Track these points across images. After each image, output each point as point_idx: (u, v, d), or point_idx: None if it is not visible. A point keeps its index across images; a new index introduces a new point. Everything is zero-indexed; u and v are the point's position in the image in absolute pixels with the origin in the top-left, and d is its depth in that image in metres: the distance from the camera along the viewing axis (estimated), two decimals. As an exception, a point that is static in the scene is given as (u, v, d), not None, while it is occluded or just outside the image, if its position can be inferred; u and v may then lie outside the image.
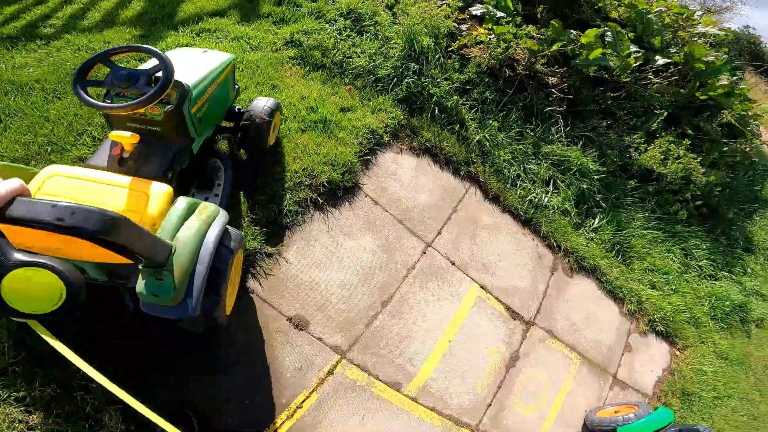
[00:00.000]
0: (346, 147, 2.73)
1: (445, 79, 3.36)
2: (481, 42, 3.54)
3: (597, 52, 3.57)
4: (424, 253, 2.57)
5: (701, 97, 4.07)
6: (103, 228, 1.06)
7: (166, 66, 1.56)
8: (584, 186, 3.42)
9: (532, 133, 3.48)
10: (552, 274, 2.95)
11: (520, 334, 2.57)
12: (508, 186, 3.17)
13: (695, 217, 3.85)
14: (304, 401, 1.90)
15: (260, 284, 2.10)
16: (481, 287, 2.61)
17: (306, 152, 2.57)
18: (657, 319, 3.18)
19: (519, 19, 3.77)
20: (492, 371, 2.37)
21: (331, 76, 3.16)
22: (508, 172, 3.22)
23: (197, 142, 1.95)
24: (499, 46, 3.48)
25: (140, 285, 1.32)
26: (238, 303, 1.94)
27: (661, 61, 3.90)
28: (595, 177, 3.48)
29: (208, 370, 1.85)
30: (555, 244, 3.07)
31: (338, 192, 2.55)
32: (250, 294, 2.05)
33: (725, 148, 4.14)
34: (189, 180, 2.00)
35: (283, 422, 1.85)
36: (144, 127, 1.76)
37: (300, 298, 2.12)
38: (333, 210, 2.49)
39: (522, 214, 3.07)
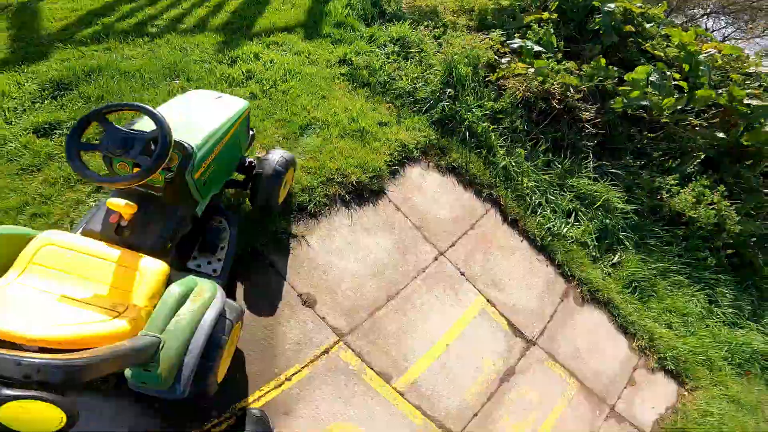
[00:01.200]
0: (378, 156, 3.02)
1: (479, 106, 3.59)
2: (519, 74, 3.75)
3: (637, 93, 3.66)
4: (436, 259, 2.77)
5: (745, 143, 3.96)
6: (70, 379, 1.03)
7: (163, 133, 1.44)
8: (607, 221, 3.46)
9: (559, 165, 3.59)
10: (562, 300, 3.00)
11: (519, 351, 2.65)
12: (528, 212, 3.29)
13: (725, 266, 3.71)
14: (294, 374, 2.11)
15: (281, 260, 2.39)
16: (487, 300, 2.74)
17: (342, 155, 2.89)
18: (668, 357, 3.10)
19: (560, 56, 3.95)
20: (484, 381, 2.47)
21: (374, 94, 3.50)
22: (530, 199, 3.35)
23: (201, 205, 1.86)
24: (536, 80, 3.67)
25: (128, 372, 1.33)
26: (257, 272, 2.23)
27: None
28: (620, 215, 3.51)
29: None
30: (569, 273, 3.13)
31: (365, 193, 2.83)
32: (270, 266, 2.34)
33: (765, 198, 3.98)
34: (191, 243, 1.91)
35: (270, 390, 2.04)
36: (144, 190, 1.66)
37: (313, 279, 2.39)
38: (357, 208, 2.77)
39: (539, 240, 3.17)
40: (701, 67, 3.98)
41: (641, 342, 3.09)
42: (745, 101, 3.86)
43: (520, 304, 2.83)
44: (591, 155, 3.70)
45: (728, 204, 3.68)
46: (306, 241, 2.49)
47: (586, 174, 3.63)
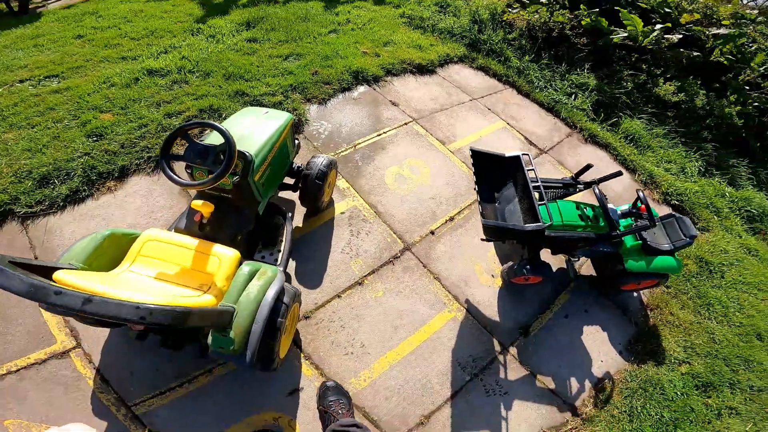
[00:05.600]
0: (430, 56, 4.56)
1: (496, 34, 5.12)
2: (524, 18, 5.29)
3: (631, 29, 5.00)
4: (471, 101, 4.15)
5: (718, 58, 5.03)
6: (176, 322, 1.28)
7: (229, 145, 1.76)
8: (602, 99, 4.64)
9: (560, 69, 4.91)
10: (567, 137, 4.17)
11: (534, 154, 3.83)
12: (537, 90, 4.60)
13: (723, 142, 4.44)
14: (384, 131, 3.50)
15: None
16: (508, 124, 4.02)
17: (409, 55, 4.46)
18: (671, 193, 3.64)
19: (557, 6, 5.46)
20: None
21: (425, 31, 5.15)
22: (537, 83, 4.67)
23: (262, 204, 2.20)
24: (537, 17, 5.17)
25: (209, 339, 1.62)
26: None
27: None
28: (612, 95, 4.68)
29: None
30: (572, 124, 4.30)
31: (423, 71, 4.35)
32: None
33: (753, 95, 4.89)
34: (256, 238, 2.28)
35: (367, 140, 3.44)
36: (218, 194, 2.03)
37: (398, 96, 3.90)
38: (420, 76, 4.30)
39: (546, 104, 4.43)
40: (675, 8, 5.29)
41: (642, 177, 3.88)
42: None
43: (533, 131, 4.06)
44: (586, 65, 4.99)
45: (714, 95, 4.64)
46: (391, 83, 4.01)
47: (581, 73, 4.91)
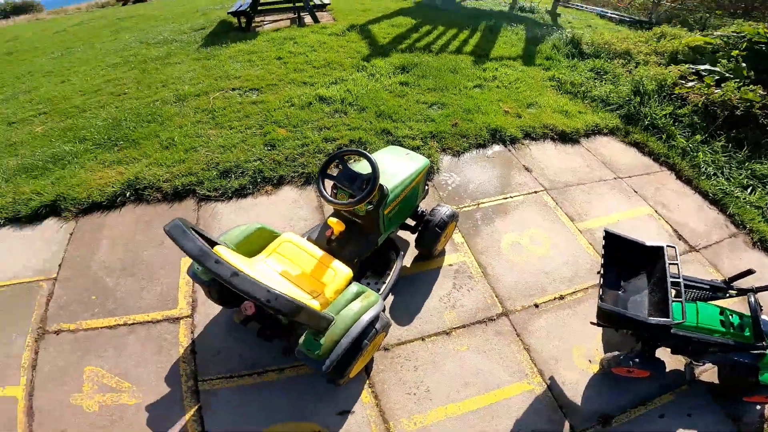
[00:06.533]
0: (576, 124, 4.37)
1: (661, 109, 4.62)
2: (702, 92, 4.67)
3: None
4: (615, 179, 3.82)
5: None
6: (290, 312, 1.48)
7: (375, 177, 1.95)
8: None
9: (738, 154, 4.17)
10: (730, 237, 3.49)
11: (680, 251, 3.31)
12: (703, 177, 3.97)
13: None
14: (514, 196, 3.44)
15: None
16: (655, 211, 3.56)
17: (553, 120, 4.36)
18: None
19: (747, 81, 4.70)
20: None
21: (575, 97, 4.97)
22: (706, 168, 4.03)
23: (383, 236, 2.35)
24: (718, 93, 4.52)
25: (302, 338, 1.79)
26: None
27: None
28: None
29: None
30: (740, 223, 3.58)
31: (565, 139, 4.19)
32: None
33: None
34: (368, 265, 2.43)
35: (497, 198, 3.41)
36: (351, 217, 2.26)
37: (533, 161, 3.83)
38: (561, 145, 4.15)
39: (711, 195, 3.80)
40: None
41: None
42: None
43: (686, 223, 3.51)
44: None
45: None
46: (528, 147, 3.97)
47: (766, 162, 4.07)
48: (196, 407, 2.12)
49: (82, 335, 2.45)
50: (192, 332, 2.42)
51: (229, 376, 2.23)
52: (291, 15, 8.18)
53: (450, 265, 2.90)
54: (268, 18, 8.28)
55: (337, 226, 2.04)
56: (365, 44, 5.97)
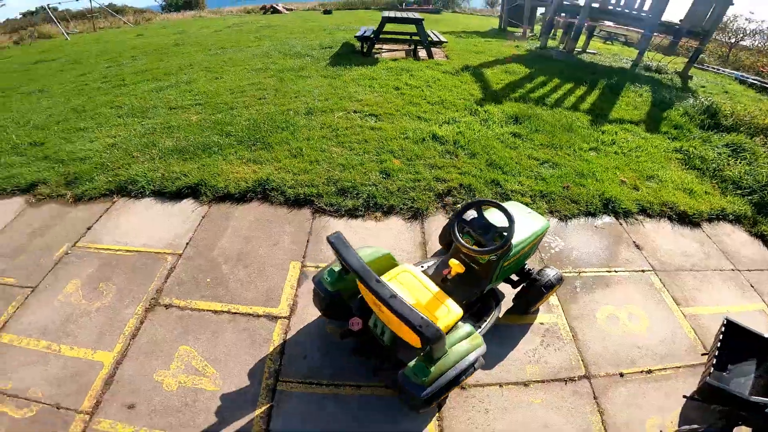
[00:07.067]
0: (700, 206, 4.04)
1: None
2: None
3: None
4: (733, 270, 3.47)
5: None
6: (434, 339, 1.57)
7: (510, 234, 2.10)
8: None
9: None
10: None
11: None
12: None
13: None
14: (617, 270, 3.26)
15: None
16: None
17: (672, 197, 4.08)
18: None
19: None
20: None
21: (703, 175, 4.58)
22: None
23: (491, 285, 2.47)
24: None
25: (412, 362, 1.86)
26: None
27: None
28: None
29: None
30: None
31: (684, 221, 3.88)
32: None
33: None
34: (469, 308, 2.51)
35: (594, 271, 3.25)
36: (469, 262, 2.37)
37: (645, 236, 3.60)
38: (679, 226, 3.85)
39: None
40: None
41: None
42: None
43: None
44: None
45: None
46: (642, 223, 3.78)
47: None
48: (268, 405, 2.20)
49: (187, 314, 2.65)
50: (285, 333, 2.56)
51: (308, 381, 2.32)
52: (407, 47, 8.73)
53: (541, 323, 2.88)
54: (385, 46, 8.93)
55: (457, 267, 2.19)
56: (478, 87, 6.14)
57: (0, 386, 2.34)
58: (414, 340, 1.87)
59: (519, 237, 2.38)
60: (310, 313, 2.73)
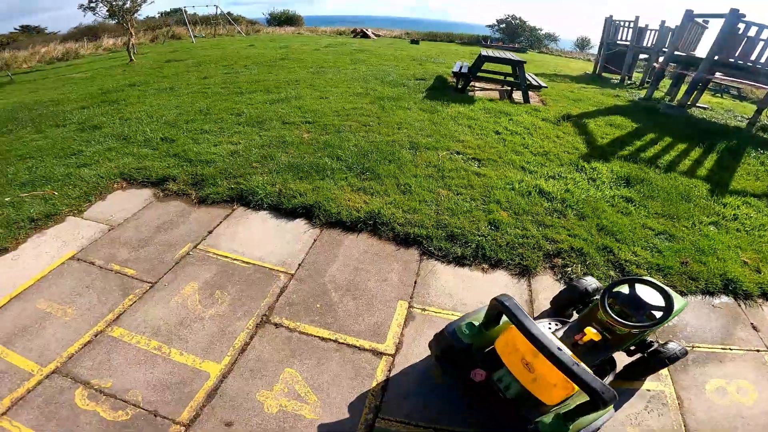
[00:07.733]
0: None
1: None
2: None
3: None
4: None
5: None
6: (608, 400, 1.61)
7: (665, 317, 2.16)
8: None
9: None
10: None
11: None
12: None
13: None
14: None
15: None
16: None
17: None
18: None
19: None
20: None
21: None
22: None
23: (614, 350, 2.49)
24: None
25: (548, 417, 1.94)
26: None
27: None
28: None
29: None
30: None
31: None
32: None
33: None
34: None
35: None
36: (604, 332, 2.37)
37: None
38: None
39: None
40: None
41: None
42: None
43: None
44: None
45: None
46: (761, 306, 3.44)
47: None
48: (364, 441, 2.14)
49: (296, 336, 2.68)
50: (389, 370, 2.56)
51: (407, 422, 2.29)
52: (500, 87, 8.73)
53: (648, 390, 2.78)
54: (478, 84, 9.01)
55: (593, 336, 2.26)
56: (581, 141, 5.99)
57: (99, 383, 2.28)
58: (548, 397, 1.96)
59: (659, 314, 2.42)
60: (414, 353, 2.76)
